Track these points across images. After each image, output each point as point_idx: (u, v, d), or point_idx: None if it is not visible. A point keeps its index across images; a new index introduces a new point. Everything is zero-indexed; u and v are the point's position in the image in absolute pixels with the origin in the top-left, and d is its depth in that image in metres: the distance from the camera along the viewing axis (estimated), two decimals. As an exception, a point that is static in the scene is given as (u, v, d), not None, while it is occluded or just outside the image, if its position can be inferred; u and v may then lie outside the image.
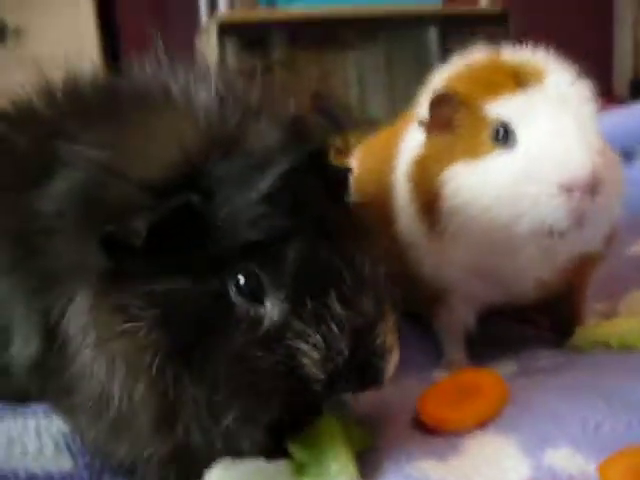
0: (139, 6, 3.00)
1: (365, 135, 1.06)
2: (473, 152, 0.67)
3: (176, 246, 0.49)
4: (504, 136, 0.66)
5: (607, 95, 3.44)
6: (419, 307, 0.79)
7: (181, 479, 0.54)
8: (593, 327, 0.72)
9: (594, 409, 0.56)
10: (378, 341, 0.50)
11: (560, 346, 0.74)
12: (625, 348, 0.69)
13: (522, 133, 0.66)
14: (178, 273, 0.49)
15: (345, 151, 1.03)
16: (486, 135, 0.67)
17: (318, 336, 0.49)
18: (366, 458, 0.56)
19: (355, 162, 0.93)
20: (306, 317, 0.49)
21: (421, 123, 0.71)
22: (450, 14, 2.81)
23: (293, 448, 0.54)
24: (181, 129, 0.52)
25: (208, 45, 2.80)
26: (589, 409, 0.56)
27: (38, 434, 0.60)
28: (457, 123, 0.69)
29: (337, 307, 0.49)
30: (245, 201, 0.49)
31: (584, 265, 0.71)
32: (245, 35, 2.79)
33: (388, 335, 0.51)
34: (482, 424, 0.58)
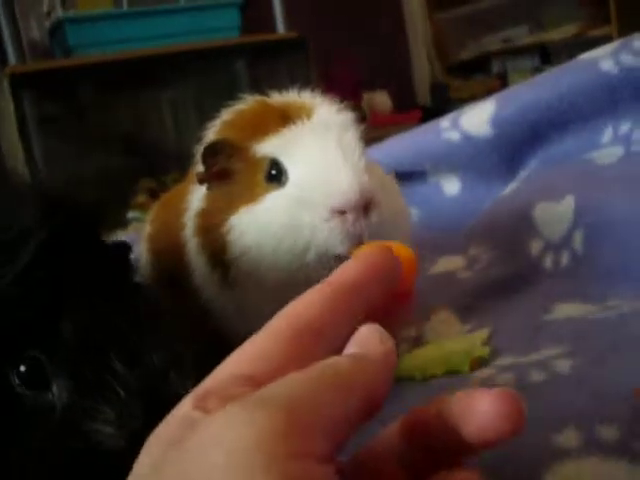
0: None
1: (182, 175, 1.03)
2: (251, 196, 0.67)
3: None
4: (276, 175, 0.66)
5: (411, 105, 3.64)
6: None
7: None
8: (399, 360, 0.73)
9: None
10: (173, 390, 0.48)
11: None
12: (427, 379, 0.71)
13: (291, 168, 0.66)
14: None
15: (162, 193, 1.00)
16: (261, 177, 0.67)
17: (106, 408, 0.46)
18: None
19: (152, 218, 0.90)
20: (90, 391, 0.46)
21: (198, 176, 0.70)
22: (251, 44, 2.85)
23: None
24: None
25: (2, 98, 2.64)
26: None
27: None
28: (232, 171, 0.69)
29: (122, 371, 0.47)
30: (6, 281, 0.45)
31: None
32: (43, 85, 2.67)
33: (185, 381, 0.49)
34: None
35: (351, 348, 0.41)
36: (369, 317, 0.43)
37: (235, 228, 0.67)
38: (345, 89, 3.29)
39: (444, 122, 1.18)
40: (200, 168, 0.70)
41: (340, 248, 0.64)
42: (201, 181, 0.70)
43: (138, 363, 0.48)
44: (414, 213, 1.18)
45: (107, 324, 0.48)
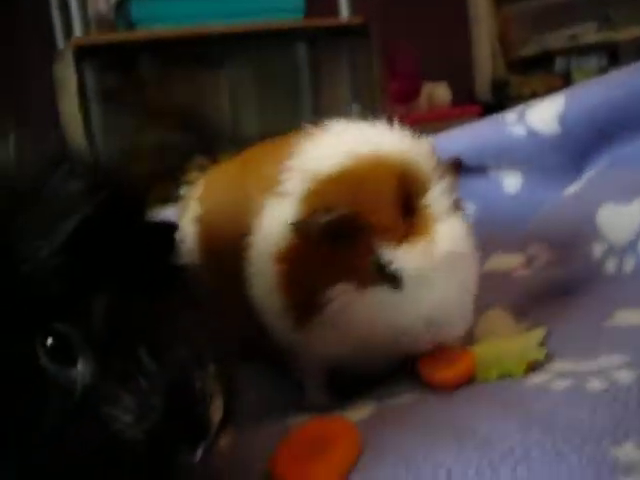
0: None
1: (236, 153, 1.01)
2: (357, 276, 0.65)
3: None
4: (390, 276, 0.65)
5: (471, 100, 3.58)
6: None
7: None
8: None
9: (446, 451, 0.55)
10: (196, 390, 0.47)
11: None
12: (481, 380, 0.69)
13: (410, 283, 0.65)
14: None
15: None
16: (370, 264, 0.65)
17: (128, 396, 0.45)
18: None
19: (203, 197, 0.88)
20: (114, 377, 0.45)
21: (298, 227, 0.66)
22: (313, 27, 2.83)
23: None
24: None
25: (66, 71, 2.68)
26: (441, 452, 0.55)
27: None
28: (338, 236, 0.65)
29: (148, 362, 0.46)
30: (45, 252, 0.44)
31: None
32: (105, 57, 2.70)
33: (207, 383, 0.48)
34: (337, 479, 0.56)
35: None
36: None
37: (338, 300, 0.66)
38: (405, 79, 3.25)
39: (510, 116, 1.15)
40: (296, 213, 0.66)
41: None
42: (301, 236, 0.66)
43: (164, 357, 0.47)
44: (471, 207, 1.16)
45: (139, 310, 0.47)
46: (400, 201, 0.66)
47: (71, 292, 0.45)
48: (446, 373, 0.68)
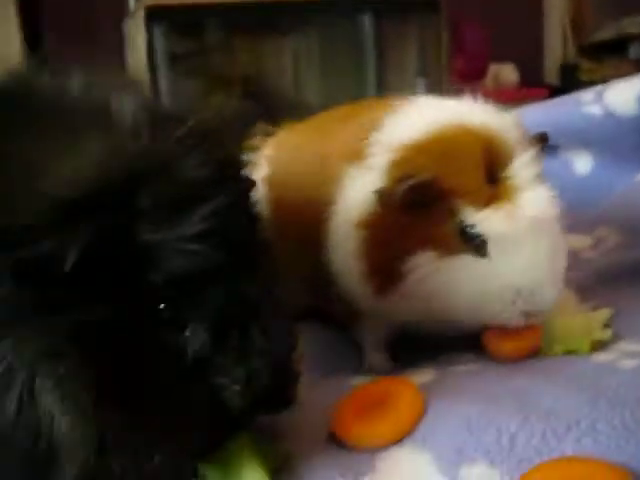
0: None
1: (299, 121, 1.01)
2: (440, 244, 0.65)
3: (97, 272, 0.45)
4: (474, 241, 0.65)
5: (538, 83, 3.51)
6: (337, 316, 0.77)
7: None
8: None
9: (509, 418, 0.55)
10: (292, 368, 0.53)
11: (480, 349, 0.73)
12: (544, 354, 0.68)
13: (495, 250, 0.65)
14: (99, 302, 0.46)
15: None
16: (454, 230, 0.65)
17: (239, 369, 0.49)
18: (281, 476, 0.54)
19: (273, 158, 0.88)
20: (227, 351, 0.49)
21: (381, 195, 0.66)
22: (382, 0, 2.80)
23: (203, 469, 0.52)
24: (108, 149, 0.47)
25: (136, 31, 2.72)
26: (504, 418, 0.55)
27: None
28: (424, 206, 0.65)
29: (258, 339, 0.49)
30: (175, 234, 0.46)
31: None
32: (174, 20, 2.73)
33: (299, 366, 0.54)
34: (398, 439, 0.57)
35: None
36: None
37: (420, 269, 0.66)
38: (472, 57, 3.20)
39: (586, 95, 1.12)
40: (381, 183, 0.66)
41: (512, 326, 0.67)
42: (385, 204, 0.66)
43: (271, 337, 0.50)
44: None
45: (250, 295, 0.50)
46: (484, 168, 0.65)
47: (192, 272, 0.47)
48: (513, 345, 0.67)
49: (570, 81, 3.56)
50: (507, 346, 0.68)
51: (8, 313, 0.45)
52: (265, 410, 0.52)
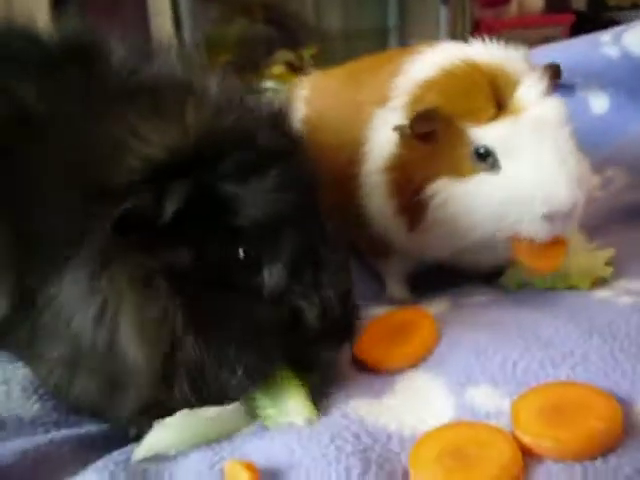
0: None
1: (319, 49, 1.03)
2: (456, 168, 0.71)
3: (188, 219, 0.55)
4: (487, 160, 0.70)
5: (564, 8, 3.42)
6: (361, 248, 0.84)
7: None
8: (520, 269, 0.77)
9: (513, 346, 0.62)
10: (354, 305, 0.62)
11: (491, 283, 0.80)
12: (549, 288, 0.75)
13: (505, 161, 0.70)
14: (188, 244, 0.56)
15: (299, 67, 1.01)
16: (467, 154, 0.71)
17: (316, 295, 0.59)
18: (316, 397, 0.60)
19: (310, 99, 0.93)
20: (305, 282, 0.59)
21: (399, 130, 0.73)
22: None
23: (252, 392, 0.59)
24: (198, 117, 0.58)
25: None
26: (509, 346, 0.62)
27: (5, 380, 0.65)
28: (437, 136, 0.71)
29: (325, 279, 0.59)
30: (259, 187, 0.56)
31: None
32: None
33: (357, 311, 0.63)
34: (414, 363, 0.64)
35: None
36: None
37: (439, 195, 0.71)
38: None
39: (604, 36, 1.14)
40: (400, 120, 0.73)
41: (540, 239, 0.70)
42: (404, 137, 0.73)
43: (337, 277, 0.60)
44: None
45: (317, 241, 0.60)
46: (491, 96, 0.70)
47: (270, 220, 0.57)
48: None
49: (597, 6, 3.47)
50: (540, 261, 0.71)
51: (107, 254, 0.54)
52: (334, 342, 0.60)
